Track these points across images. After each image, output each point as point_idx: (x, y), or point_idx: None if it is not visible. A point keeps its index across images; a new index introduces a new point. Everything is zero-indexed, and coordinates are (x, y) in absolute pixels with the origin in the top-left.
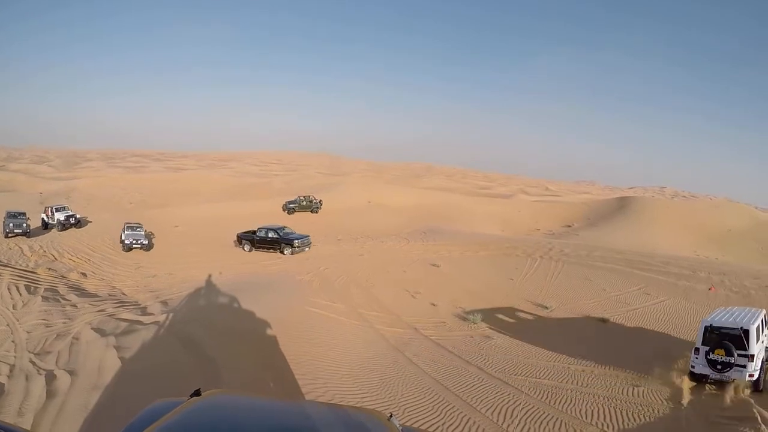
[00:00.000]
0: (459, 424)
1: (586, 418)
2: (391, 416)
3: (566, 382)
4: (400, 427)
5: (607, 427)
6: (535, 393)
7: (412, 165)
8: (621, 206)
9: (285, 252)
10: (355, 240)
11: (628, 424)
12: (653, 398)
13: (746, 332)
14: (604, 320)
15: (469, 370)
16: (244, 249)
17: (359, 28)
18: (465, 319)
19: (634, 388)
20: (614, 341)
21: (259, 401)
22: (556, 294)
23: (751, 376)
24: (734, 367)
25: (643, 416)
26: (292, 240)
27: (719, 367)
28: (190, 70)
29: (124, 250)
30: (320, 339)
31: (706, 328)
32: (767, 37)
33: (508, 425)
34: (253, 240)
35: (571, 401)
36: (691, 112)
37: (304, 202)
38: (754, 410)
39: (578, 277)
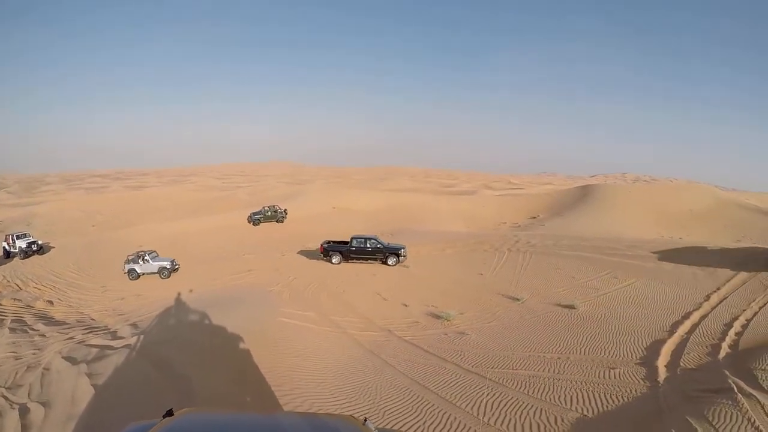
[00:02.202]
0: (440, 421)
1: (566, 404)
2: (365, 420)
3: (543, 370)
4: (376, 431)
5: (587, 410)
6: (512, 384)
7: (375, 168)
8: (584, 194)
9: (389, 262)
10: None
11: (607, 406)
12: (630, 378)
13: None
14: (573, 307)
15: (446, 367)
16: (331, 261)
17: (317, 34)
18: (438, 317)
19: (610, 371)
20: (587, 326)
21: (232, 416)
22: (527, 285)
23: None
24: None
25: (622, 397)
26: (399, 249)
27: None
28: (144, 88)
29: (163, 277)
30: (295, 349)
31: None
32: (724, 21)
33: (489, 418)
34: (345, 251)
35: (549, 389)
36: (648, 97)
37: (269, 213)
38: (730, 381)
39: (547, 266)
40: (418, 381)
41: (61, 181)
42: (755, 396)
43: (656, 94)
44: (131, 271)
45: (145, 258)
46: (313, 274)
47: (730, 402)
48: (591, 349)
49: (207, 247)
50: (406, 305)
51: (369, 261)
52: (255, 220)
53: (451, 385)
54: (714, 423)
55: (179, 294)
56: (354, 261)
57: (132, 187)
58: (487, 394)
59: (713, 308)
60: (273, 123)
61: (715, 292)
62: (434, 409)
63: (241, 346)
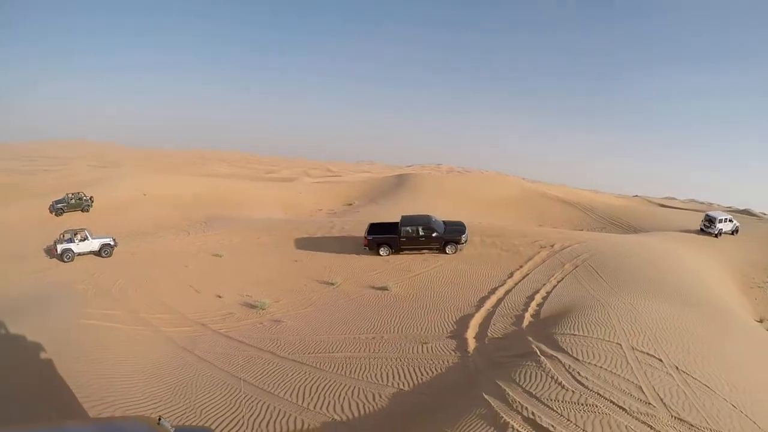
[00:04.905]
0: (260, 412)
1: (383, 380)
2: (160, 419)
3: (358, 351)
4: (172, 428)
5: (403, 384)
6: (329, 367)
7: (188, 152)
8: (400, 183)
9: (448, 251)
10: (132, 237)
11: (422, 379)
12: (442, 351)
13: (713, 218)
14: (386, 288)
15: (263, 356)
16: (380, 254)
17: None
18: (253, 307)
19: (422, 346)
20: (400, 306)
21: None
22: (341, 269)
23: (715, 233)
24: (709, 229)
25: (435, 368)
26: (459, 235)
27: (704, 229)
28: None
29: (105, 255)
30: (101, 354)
31: (705, 215)
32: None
33: (308, 403)
34: (394, 241)
35: (365, 368)
36: (464, 91)
37: (73, 201)
38: (533, 346)
39: (361, 250)
40: (235, 374)
41: None
42: (557, 357)
43: (472, 87)
44: (66, 252)
45: (83, 236)
46: (119, 268)
47: (534, 364)
48: (404, 327)
49: None
50: (219, 296)
51: (423, 251)
52: (57, 209)
53: (269, 374)
54: (521, 383)
55: None
56: (408, 251)
57: None
58: (305, 380)
59: (516, 284)
60: (70, 94)
61: (518, 269)
62: (253, 401)
63: (42, 355)
